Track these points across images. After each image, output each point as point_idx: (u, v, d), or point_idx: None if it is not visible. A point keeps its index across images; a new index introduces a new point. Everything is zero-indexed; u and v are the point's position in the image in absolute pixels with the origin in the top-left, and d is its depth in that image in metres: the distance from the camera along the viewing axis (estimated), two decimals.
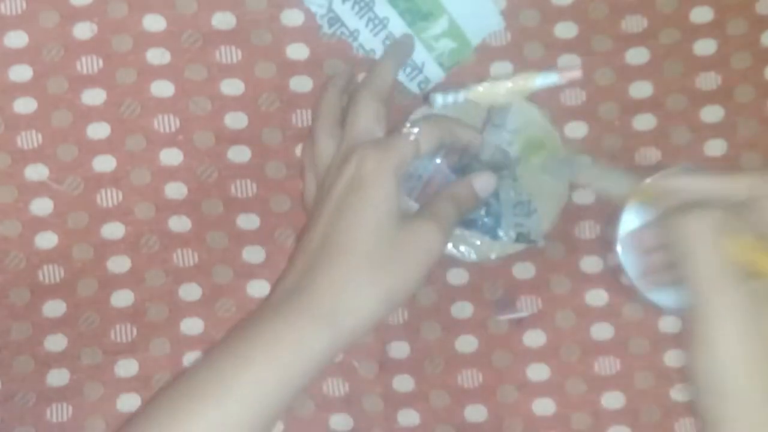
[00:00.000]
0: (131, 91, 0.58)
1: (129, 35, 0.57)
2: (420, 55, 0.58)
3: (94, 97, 0.58)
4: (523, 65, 0.59)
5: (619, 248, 0.54)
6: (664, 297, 0.52)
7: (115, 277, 0.58)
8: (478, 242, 0.56)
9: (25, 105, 0.57)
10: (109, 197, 0.58)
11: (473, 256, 0.57)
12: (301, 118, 0.59)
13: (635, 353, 0.59)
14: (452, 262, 0.58)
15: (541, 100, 0.56)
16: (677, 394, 0.59)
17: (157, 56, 0.58)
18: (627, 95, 0.59)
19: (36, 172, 0.57)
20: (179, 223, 0.58)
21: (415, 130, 0.48)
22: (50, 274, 0.58)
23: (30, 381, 0.57)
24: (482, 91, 0.48)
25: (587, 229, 0.60)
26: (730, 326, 0.42)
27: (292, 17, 0.58)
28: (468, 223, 0.54)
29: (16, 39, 0.57)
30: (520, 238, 0.54)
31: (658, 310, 0.57)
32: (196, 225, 0.58)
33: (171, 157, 0.58)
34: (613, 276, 0.57)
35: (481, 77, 0.58)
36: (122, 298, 0.58)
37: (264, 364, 0.44)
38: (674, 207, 0.46)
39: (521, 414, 0.59)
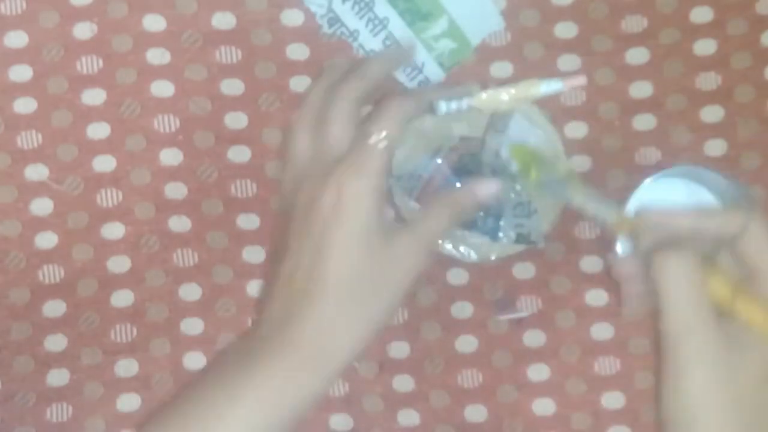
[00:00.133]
0: (131, 91, 0.58)
1: (129, 35, 0.57)
2: (420, 55, 0.58)
3: (94, 97, 0.58)
4: (523, 65, 0.59)
5: (619, 248, 0.54)
6: None
7: (115, 277, 0.58)
8: (478, 242, 0.56)
9: (25, 105, 0.57)
10: (109, 197, 0.58)
11: (473, 257, 0.57)
12: None
13: (635, 353, 0.59)
14: (452, 262, 0.58)
15: (541, 101, 0.55)
16: None
17: (157, 56, 0.58)
18: (627, 95, 0.59)
19: (36, 172, 0.57)
20: (179, 223, 0.58)
21: (383, 133, 0.46)
22: (50, 274, 0.58)
23: (30, 381, 0.57)
24: (486, 98, 0.48)
25: (587, 229, 0.60)
26: (700, 373, 0.42)
27: (292, 17, 0.58)
28: (468, 224, 0.54)
29: (16, 39, 0.57)
30: (520, 238, 0.54)
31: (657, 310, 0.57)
32: (196, 225, 0.58)
33: (171, 157, 0.58)
34: (613, 276, 0.57)
35: (482, 79, 0.59)
36: (122, 298, 0.58)
37: (254, 404, 0.44)
38: (654, 244, 0.45)
39: (521, 414, 0.59)
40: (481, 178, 0.51)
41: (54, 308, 0.58)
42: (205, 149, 0.58)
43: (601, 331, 0.59)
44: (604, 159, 0.59)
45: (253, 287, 0.58)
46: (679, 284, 0.43)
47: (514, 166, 0.51)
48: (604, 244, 0.58)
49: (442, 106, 0.48)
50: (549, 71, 0.59)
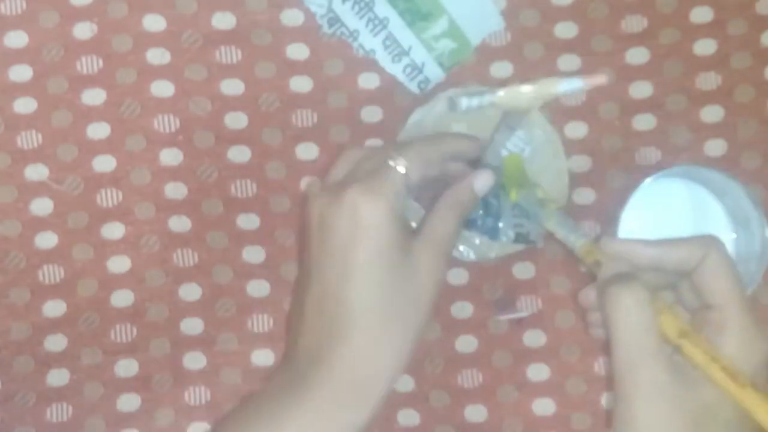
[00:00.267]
0: (131, 91, 0.58)
1: (129, 35, 0.57)
2: (420, 55, 0.58)
3: (94, 97, 0.58)
4: (523, 65, 0.59)
5: None
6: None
7: (115, 277, 0.58)
8: (478, 242, 0.56)
9: (25, 105, 0.57)
10: (109, 197, 0.58)
11: (472, 256, 0.57)
12: (301, 118, 0.59)
13: None
14: (452, 262, 0.57)
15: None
16: None
17: (157, 56, 0.58)
18: (627, 95, 0.59)
19: (36, 172, 0.57)
20: (179, 223, 0.58)
21: (401, 159, 0.47)
22: (50, 274, 0.58)
23: (30, 381, 0.57)
24: (505, 95, 0.48)
25: (587, 229, 0.60)
26: (646, 406, 0.42)
27: (292, 17, 0.58)
28: (468, 223, 0.53)
29: (16, 39, 0.57)
30: (519, 238, 0.53)
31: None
32: (196, 225, 0.58)
33: (171, 157, 0.58)
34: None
35: (482, 79, 0.59)
36: (122, 298, 0.58)
37: None
38: (609, 278, 0.46)
39: (521, 414, 0.59)
40: (476, 170, 0.51)
41: (54, 308, 0.58)
42: (205, 149, 0.58)
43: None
44: (604, 159, 0.59)
45: (253, 287, 0.58)
46: (628, 320, 0.43)
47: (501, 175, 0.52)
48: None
49: (463, 102, 0.48)
50: (549, 71, 0.59)
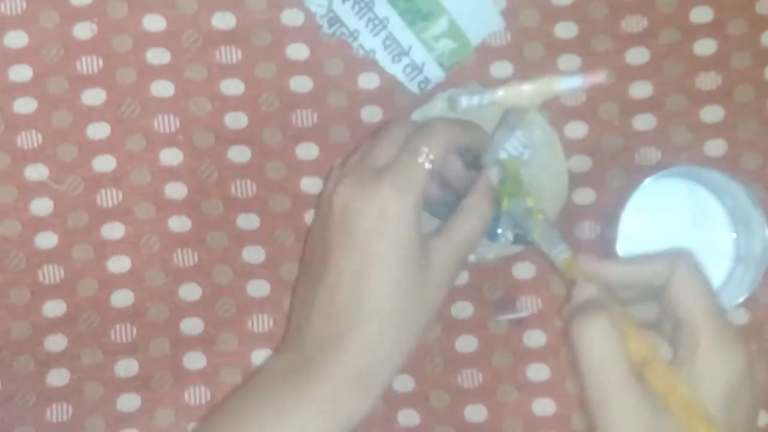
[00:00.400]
0: (131, 91, 0.58)
1: (129, 35, 0.57)
2: (420, 55, 0.58)
3: (94, 97, 0.58)
4: (523, 65, 0.59)
5: (619, 248, 0.54)
6: None
7: (115, 277, 0.58)
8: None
9: (25, 105, 0.57)
10: (109, 197, 0.58)
11: (471, 257, 0.57)
12: (301, 118, 0.59)
13: None
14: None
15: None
16: None
17: (157, 56, 0.58)
18: (627, 95, 0.59)
19: (36, 172, 0.57)
20: (179, 223, 0.58)
21: (429, 153, 0.47)
22: (50, 274, 0.58)
23: (30, 381, 0.57)
24: (505, 94, 0.48)
25: (587, 229, 0.60)
26: None
27: (292, 17, 0.58)
28: None
29: (16, 39, 0.57)
30: (518, 239, 0.53)
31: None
32: (196, 225, 0.58)
33: (171, 157, 0.58)
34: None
35: (482, 79, 0.59)
36: (122, 298, 0.58)
37: (305, 423, 0.44)
38: (576, 304, 0.46)
39: (521, 414, 0.59)
40: (486, 170, 0.51)
41: (54, 308, 0.58)
42: (205, 149, 0.58)
43: None
44: (604, 159, 0.59)
45: (253, 287, 0.58)
46: (592, 351, 0.43)
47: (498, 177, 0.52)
48: (604, 244, 0.58)
49: (463, 101, 0.48)
50: (549, 71, 0.59)
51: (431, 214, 0.53)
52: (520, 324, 0.59)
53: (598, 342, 0.43)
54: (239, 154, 0.58)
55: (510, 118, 0.51)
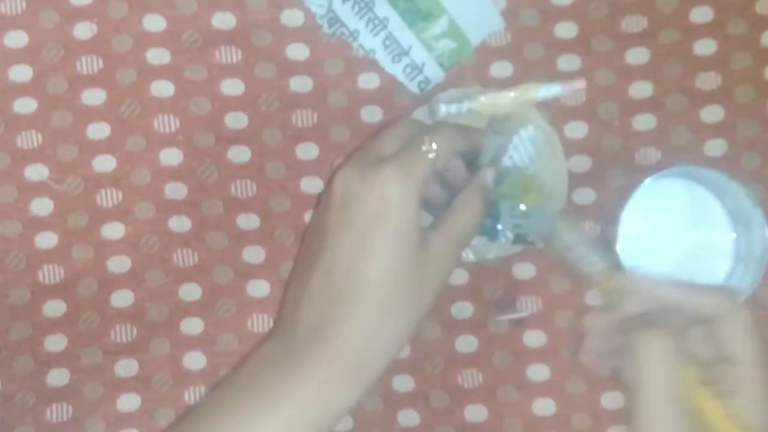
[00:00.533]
0: (131, 91, 0.58)
1: (129, 35, 0.57)
2: (420, 55, 0.58)
3: (94, 97, 0.58)
4: (523, 65, 0.59)
5: (619, 248, 0.54)
6: None
7: (115, 277, 0.58)
8: (477, 243, 0.56)
9: (25, 105, 0.57)
10: (109, 197, 0.58)
11: (471, 257, 0.57)
12: (301, 118, 0.59)
13: None
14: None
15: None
16: None
17: (157, 56, 0.58)
18: (627, 95, 0.59)
19: (36, 172, 0.57)
20: (179, 223, 0.58)
21: (434, 145, 0.47)
22: (50, 274, 0.58)
23: (30, 381, 0.57)
24: (485, 101, 0.48)
25: (587, 229, 0.60)
26: None
27: (292, 17, 0.58)
28: None
29: (16, 39, 0.57)
30: (518, 239, 0.53)
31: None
32: (196, 225, 0.58)
33: (171, 157, 0.58)
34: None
35: (482, 79, 0.59)
36: (122, 298, 0.58)
37: (293, 412, 0.43)
38: (639, 317, 0.46)
39: (521, 414, 0.59)
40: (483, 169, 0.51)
41: (54, 308, 0.58)
42: (205, 149, 0.58)
43: None
44: (604, 159, 0.59)
45: (253, 287, 0.58)
46: (655, 368, 0.44)
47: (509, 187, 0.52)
48: (604, 244, 0.58)
49: (442, 109, 0.48)
50: (549, 71, 0.59)
51: (432, 215, 0.53)
52: (520, 324, 0.59)
53: (662, 360, 0.44)
54: (239, 154, 0.58)
55: (495, 125, 0.51)
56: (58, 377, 0.58)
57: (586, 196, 0.59)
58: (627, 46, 0.59)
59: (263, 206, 0.59)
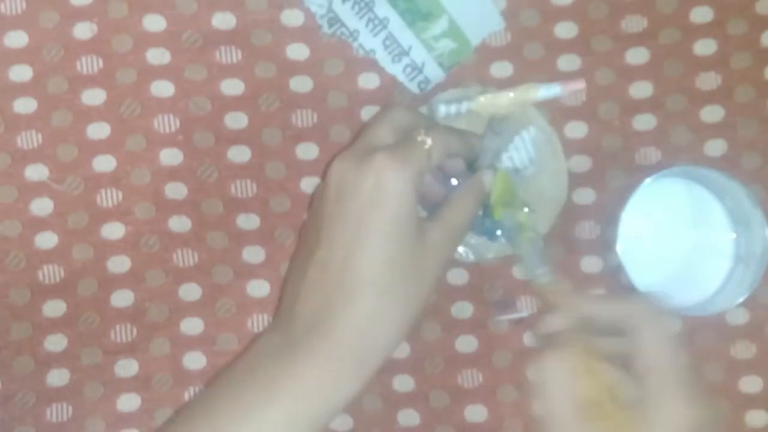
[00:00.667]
0: (131, 91, 0.58)
1: (129, 35, 0.57)
2: (420, 55, 0.58)
3: (94, 97, 0.58)
4: (523, 65, 0.59)
5: (619, 248, 0.54)
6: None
7: (115, 277, 0.58)
8: (476, 243, 0.56)
9: (25, 105, 0.57)
10: (109, 197, 0.58)
11: (471, 257, 0.57)
12: (301, 118, 0.59)
13: None
14: (452, 262, 0.58)
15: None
16: None
17: (157, 56, 0.58)
18: (627, 95, 0.59)
19: (36, 172, 0.57)
20: (179, 223, 0.58)
21: (428, 139, 0.46)
22: (50, 274, 0.58)
23: (30, 381, 0.57)
24: (484, 102, 0.48)
25: (587, 229, 0.60)
26: None
27: (292, 17, 0.58)
28: None
29: (16, 39, 0.57)
30: None
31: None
32: (196, 225, 0.58)
33: (171, 157, 0.58)
34: (613, 276, 0.57)
35: (482, 79, 0.59)
36: (122, 298, 0.58)
37: (291, 405, 0.43)
38: (539, 341, 0.46)
39: (521, 414, 0.59)
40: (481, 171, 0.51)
41: (54, 308, 0.58)
42: (205, 149, 0.58)
43: None
44: (604, 159, 0.59)
45: (253, 287, 0.58)
46: (549, 387, 0.44)
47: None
48: (604, 244, 0.58)
49: (442, 109, 0.48)
50: (549, 71, 0.59)
51: (429, 213, 0.53)
52: (520, 324, 0.59)
53: (553, 380, 0.44)
54: (239, 154, 0.58)
55: (494, 125, 0.51)
56: (58, 377, 0.58)
57: (586, 196, 0.59)
58: (627, 46, 0.59)
59: (263, 206, 0.59)
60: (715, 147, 0.60)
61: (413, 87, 0.59)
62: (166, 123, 0.58)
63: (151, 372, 0.58)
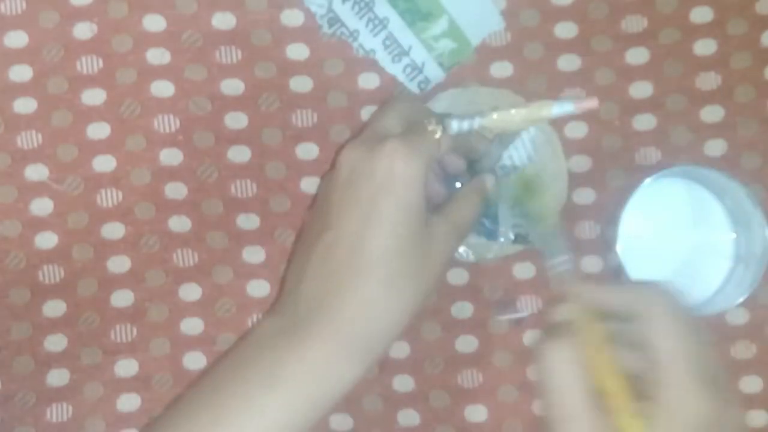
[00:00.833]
0: (131, 91, 0.58)
1: (129, 35, 0.57)
2: (420, 55, 0.58)
3: (94, 97, 0.58)
4: (523, 65, 0.59)
5: (619, 248, 0.55)
6: None
7: (115, 277, 0.58)
8: (477, 243, 0.56)
9: (25, 105, 0.57)
10: (109, 197, 0.58)
11: (471, 257, 0.57)
12: (301, 118, 0.59)
13: None
14: (452, 262, 0.58)
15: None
16: None
17: (157, 56, 0.58)
18: (627, 95, 0.59)
19: (36, 172, 0.57)
20: (179, 223, 0.58)
21: (438, 128, 0.47)
22: (50, 274, 0.58)
23: (30, 381, 0.57)
24: (497, 119, 0.48)
25: (587, 229, 0.60)
26: None
27: (292, 17, 0.58)
28: None
29: (16, 39, 0.57)
30: (518, 239, 0.54)
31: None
32: (196, 225, 0.58)
33: (171, 157, 0.58)
34: (613, 276, 0.57)
35: (482, 79, 0.59)
36: (122, 298, 0.58)
37: (294, 389, 0.43)
38: (543, 330, 0.45)
39: (521, 414, 0.59)
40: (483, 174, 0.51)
41: (54, 308, 0.58)
42: (205, 149, 0.58)
43: None
44: (604, 159, 0.59)
45: (253, 287, 0.58)
46: (553, 376, 0.43)
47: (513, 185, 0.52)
48: (604, 244, 0.58)
49: (454, 125, 0.49)
50: (549, 71, 0.59)
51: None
52: (520, 324, 0.59)
53: (560, 369, 0.43)
54: (239, 154, 0.58)
55: (505, 138, 0.52)
56: (58, 377, 0.58)
57: (586, 196, 0.59)
58: (627, 46, 0.59)
59: (263, 206, 0.59)
60: (715, 147, 0.60)
61: (413, 87, 0.59)
62: (166, 123, 0.58)
63: (151, 372, 0.58)
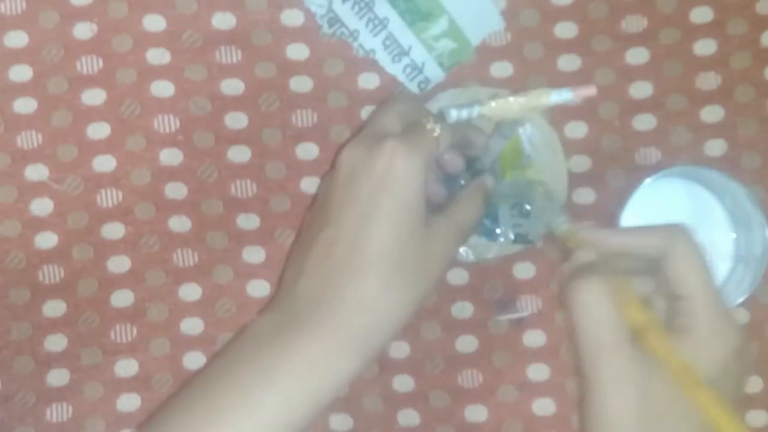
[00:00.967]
0: (131, 91, 0.58)
1: (129, 35, 0.57)
2: (420, 55, 0.58)
3: (94, 97, 0.58)
4: (523, 65, 0.59)
5: None
6: None
7: (115, 277, 0.58)
8: (477, 243, 0.56)
9: (25, 105, 0.57)
10: (109, 197, 0.58)
11: (471, 257, 0.57)
12: (301, 118, 0.59)
13: None
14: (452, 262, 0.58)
15: None
16: None
17: (157, 56, 0.58)
18: (627, 95, 0.59)
19: (36, 172, 0.57)
20: (179, 223, 0.58)
21: (437, 127, 0.47)
22: (50, 274, 0.58)
23: (30, 381, 0.57)
24: (495, 107, 0.48)
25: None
26: (613, 395, 0.42)
27: (292, 17, 0.58)
28: None
29: (16, 39, 0.57)
30: (518, 238, 0.54)
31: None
32: (196, 225, 0.58)
33: (171, 157, 0.58)
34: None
35: (482, 79, 0.59)
36: (122, 298, 0.58)
37: (292, 385, 0.43)
38: (571, 269, 0.45)
39: (521, 414, 0.59)
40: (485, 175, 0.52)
41: (54, 308, 0.58)
42: (205, 149, 0.58)
43: None
44: (604, 159, 0.59)
45: (253, 287, 0.58)
46: (585, 315, 0.43)
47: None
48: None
49: (453, 114, 0.49)
50: (549, 71, 0.59)
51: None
52: (520, 324, 0.59)
53: (593, 305, 0.43)
54: (239, 154, 0.58)
55: (503, 128, 0.51)
56: (58, 377, 0.58)
57: (586, 196, 0.59)
58: (627, 46, 0.59)
59: (263, 206, 0.59)
60: (715, 147, 0.60)
61: (413, 87, 0.59)
62: (166, 123, 0.58)
63: (151, 372, 0.58)
